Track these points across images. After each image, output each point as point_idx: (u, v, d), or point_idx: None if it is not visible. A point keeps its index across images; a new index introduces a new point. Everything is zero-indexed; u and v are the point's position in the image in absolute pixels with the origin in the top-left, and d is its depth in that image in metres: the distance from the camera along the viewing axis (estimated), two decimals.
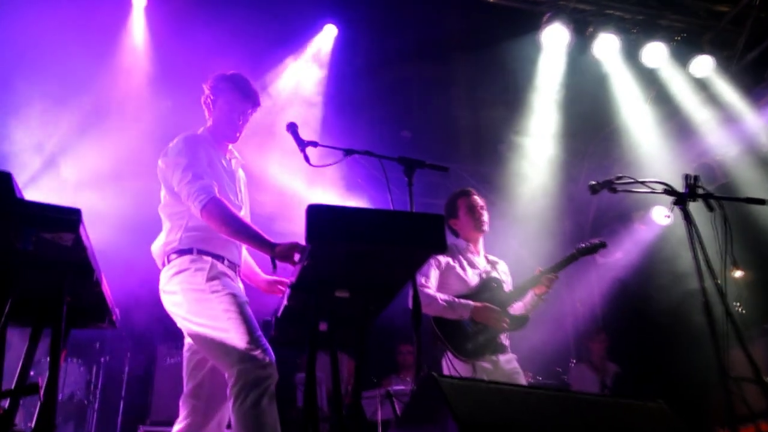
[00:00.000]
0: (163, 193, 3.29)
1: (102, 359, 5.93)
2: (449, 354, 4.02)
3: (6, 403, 2.29)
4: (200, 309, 2.96)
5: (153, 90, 6.44)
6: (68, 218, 1.93)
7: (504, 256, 4.60)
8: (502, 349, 4.12)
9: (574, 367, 7.04)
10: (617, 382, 6.91)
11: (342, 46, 6.79)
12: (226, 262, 3.14)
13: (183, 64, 5.94)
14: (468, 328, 4.09)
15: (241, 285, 3.26)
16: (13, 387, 2.29)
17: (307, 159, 3.14)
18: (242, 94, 3.36)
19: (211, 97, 3.39)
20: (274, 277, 3.36)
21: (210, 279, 3.00)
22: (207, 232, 3.10)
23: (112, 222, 5.68)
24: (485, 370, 3.98)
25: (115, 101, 6.44)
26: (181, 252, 3.10)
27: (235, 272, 3.22)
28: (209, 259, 3.07)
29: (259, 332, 2.89)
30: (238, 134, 3.41)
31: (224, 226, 2.97)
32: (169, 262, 3.13)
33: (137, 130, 6.29)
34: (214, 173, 3.18)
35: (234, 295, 2.97)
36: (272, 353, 2.83)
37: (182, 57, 5.97)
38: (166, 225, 3.25)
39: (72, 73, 5.94)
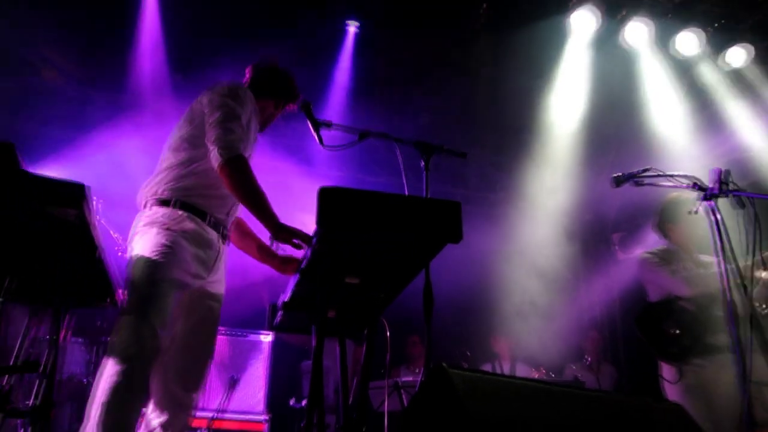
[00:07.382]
0: (176, 133, 3.09)
1: (104, 338, 5.88)
2: None
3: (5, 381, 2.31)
4: (135, 254, 2.79)
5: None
6: (73, 193, 1.93)
7: (521, 250, 4.56)
8: None
9: (567, 368, 6.96)
10: (613, 384, 6.86)
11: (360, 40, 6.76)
12: (211, 219, 2.96)
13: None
14: None
15: (220, 250, 3.06)
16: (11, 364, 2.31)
17: (320, 140, 3.13)
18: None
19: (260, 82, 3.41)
20: (289, 254, 3.17)
21: (161, 245, 2.78)
22: (201, 188, 2.94)
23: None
24: None
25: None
26: (161, 202, 2.91)
27: (219, 233, 3.03)
28: (182, 216, 2.87)
29: (151, 324, 2.61)
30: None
31: (241, 186, 2.84)
32: (144, 209, 2.96)
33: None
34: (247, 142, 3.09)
35: (164, 268, 2.74)
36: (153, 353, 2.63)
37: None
38: (161, 165, 3.05)
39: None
